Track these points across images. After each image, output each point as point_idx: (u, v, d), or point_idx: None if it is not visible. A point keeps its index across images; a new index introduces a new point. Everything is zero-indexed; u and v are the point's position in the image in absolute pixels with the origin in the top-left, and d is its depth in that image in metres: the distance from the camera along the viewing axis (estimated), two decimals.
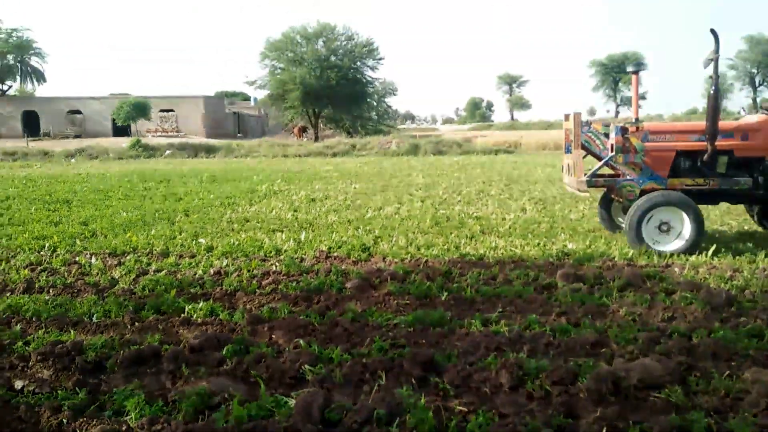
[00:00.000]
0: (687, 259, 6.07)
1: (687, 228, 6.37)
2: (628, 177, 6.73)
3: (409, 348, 3.71)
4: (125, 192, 13.24)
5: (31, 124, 50.76)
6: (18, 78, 62.74)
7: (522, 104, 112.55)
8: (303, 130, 49.14)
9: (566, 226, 8.32)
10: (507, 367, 3.29)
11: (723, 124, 6.67)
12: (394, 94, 55.80)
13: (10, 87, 62.47)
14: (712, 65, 6.25)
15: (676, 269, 5.71)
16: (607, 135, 6.89)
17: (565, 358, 3.58)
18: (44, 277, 5.65)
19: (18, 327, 4.21)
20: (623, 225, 7.05)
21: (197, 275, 5.68)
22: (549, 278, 5.38)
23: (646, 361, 3.27)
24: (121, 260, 6.44)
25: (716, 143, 6.46)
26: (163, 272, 5.77)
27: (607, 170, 7.19)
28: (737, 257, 6.19)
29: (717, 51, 6.14)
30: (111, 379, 3.40)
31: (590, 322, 4.21)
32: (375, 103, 53.91)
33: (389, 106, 58.26)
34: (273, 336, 4.03)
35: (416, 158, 27.10)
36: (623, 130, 6.66)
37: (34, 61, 62.85)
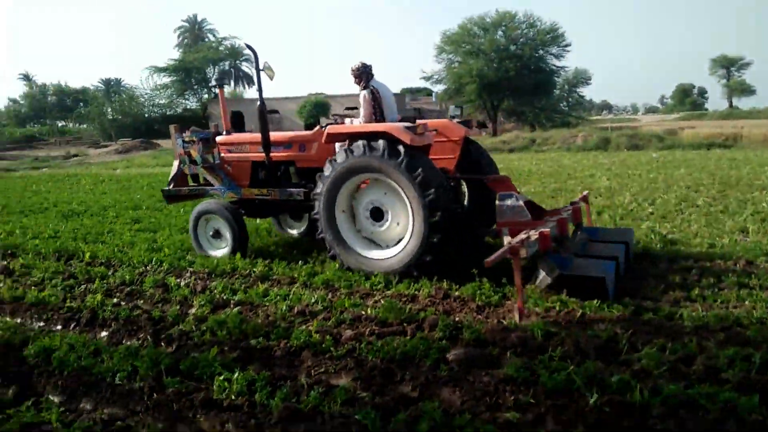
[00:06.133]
0: None
1: (228, 234, 6.71)
2: (215, 186, 7.04)
3: None
4: None
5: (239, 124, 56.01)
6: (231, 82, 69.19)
7: (743, 90, 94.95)
8: (481, 125, 47.19)
9: None
10: None
11: (280, 135, 6.74)
12: (588, 83, 51.02)
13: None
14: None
15: None
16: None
17: None
18: None
19: None
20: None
21: None
22: None
23: None
24: None
25: (276, 154, 6.65)
26: None
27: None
28: None
29: (257, 63, 6.27)
30: None
31: None
32: (565, 94, 49.93)
33: (581, 96, 53.42)
34: None
35: (605, 154, 23.47)
36: (185, 143, 6.94)
37: (245, 66, 68.79)
